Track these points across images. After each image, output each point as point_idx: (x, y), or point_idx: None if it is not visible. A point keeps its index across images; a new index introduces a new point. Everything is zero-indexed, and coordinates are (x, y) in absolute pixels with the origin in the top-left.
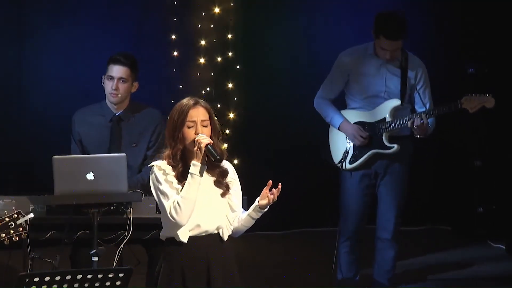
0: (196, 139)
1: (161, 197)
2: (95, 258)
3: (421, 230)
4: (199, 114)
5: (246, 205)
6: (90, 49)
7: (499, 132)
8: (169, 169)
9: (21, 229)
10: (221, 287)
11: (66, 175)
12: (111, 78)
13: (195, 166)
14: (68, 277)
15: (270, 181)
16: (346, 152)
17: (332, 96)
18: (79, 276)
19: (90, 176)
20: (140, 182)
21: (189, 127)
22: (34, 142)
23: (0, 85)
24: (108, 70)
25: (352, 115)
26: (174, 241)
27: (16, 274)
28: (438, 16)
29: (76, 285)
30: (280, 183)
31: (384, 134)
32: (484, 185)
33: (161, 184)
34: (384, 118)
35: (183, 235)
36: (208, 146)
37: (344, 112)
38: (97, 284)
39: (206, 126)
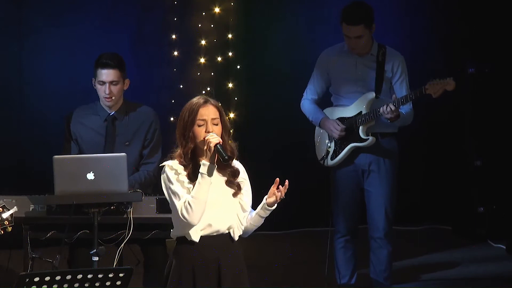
0: (205, 138)
1: (173, 197)
2: (96, 258)
3: (421, 230)
4: (209, 112)
5: None
6: (90, 49)
7: (499, 132)
8: (180, 168)
9: (6, 222)
10: (231, 287)
11: (66, 175)
12: (103, 83)
13: (204, 165)
14: (69, 277)
15: (278, 179)
16: (328, 149)
17: (316, 96)
18: (80, 276)
19: (90, 176)
20: (138, 181)
21: (199, 126)
22: (34, 142)
23: (0, 85)
24: (97, 75)
25: (334, 112)
26: (185, 240)
27: (16, 274)
28: (438, 16)
29: (76, 285)
30: (287, 180)
31: (360, 127)
32: (484, 185)
33: (172, 183)
34: (361, 112)
35: (195, 235)
36: (217, 145)
37: (327, 110)
38: (97, 284)
39: (216, 125)
